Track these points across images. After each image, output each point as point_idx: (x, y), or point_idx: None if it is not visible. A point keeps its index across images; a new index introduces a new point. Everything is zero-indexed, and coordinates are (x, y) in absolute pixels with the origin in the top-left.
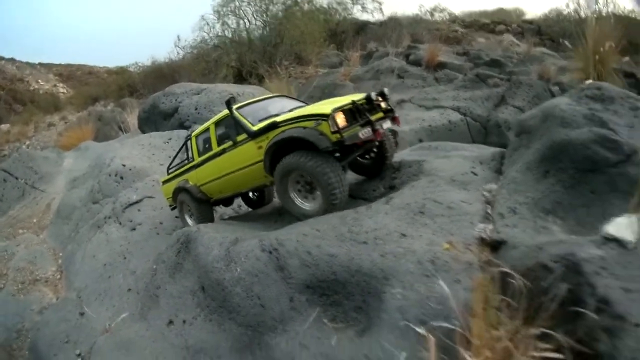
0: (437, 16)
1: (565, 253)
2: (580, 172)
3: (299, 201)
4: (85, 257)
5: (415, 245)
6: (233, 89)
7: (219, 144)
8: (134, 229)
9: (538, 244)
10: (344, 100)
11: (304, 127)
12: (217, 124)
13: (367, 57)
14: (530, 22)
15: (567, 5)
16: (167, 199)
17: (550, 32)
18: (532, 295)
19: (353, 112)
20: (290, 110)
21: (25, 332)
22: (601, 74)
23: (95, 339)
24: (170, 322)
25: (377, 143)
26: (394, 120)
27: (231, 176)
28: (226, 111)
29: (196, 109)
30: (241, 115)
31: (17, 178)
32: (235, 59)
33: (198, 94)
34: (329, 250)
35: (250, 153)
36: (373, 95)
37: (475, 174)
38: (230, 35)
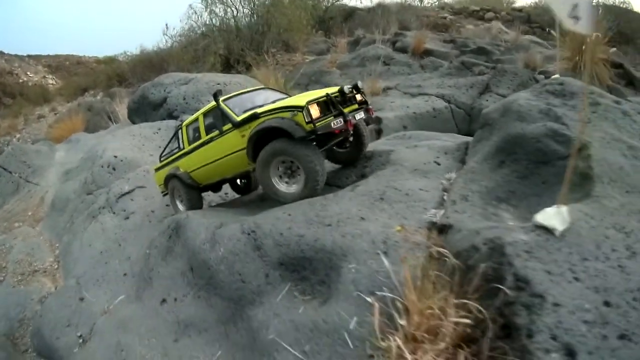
0: (426, 2)
1: (493, 237)
2: (533, 163)
3: (280, 186)
4: (82, 246)
5: (371, 227)
6: (220, 78)
7: (207, 133)
8: (128, 218)
9: (477, 229)
10: (320, 93)
11: (282, 118)
12: (206, 114)
13: (354, 44)
14: (520, 10)
15: None
16: (159, 185)
17: (540, 20)
18: (462, 273)
19: (327, 104)
20: (273, 102)
21: (27, 322)
22: (588, 64)
23: (95, 321)
24: (163, 300)
25: (351, 133)
26: (368, 111)
27: (218, 163)
28: (214, 103)
29: (184, 99)
30: (227, 107)
31: (11, 172)
32: (223, 47)
33: (186, 84)
34: (298, 232)
35: (234, 141)
36: (346, 88)
37: (438, 164)
38: (217, 24)
